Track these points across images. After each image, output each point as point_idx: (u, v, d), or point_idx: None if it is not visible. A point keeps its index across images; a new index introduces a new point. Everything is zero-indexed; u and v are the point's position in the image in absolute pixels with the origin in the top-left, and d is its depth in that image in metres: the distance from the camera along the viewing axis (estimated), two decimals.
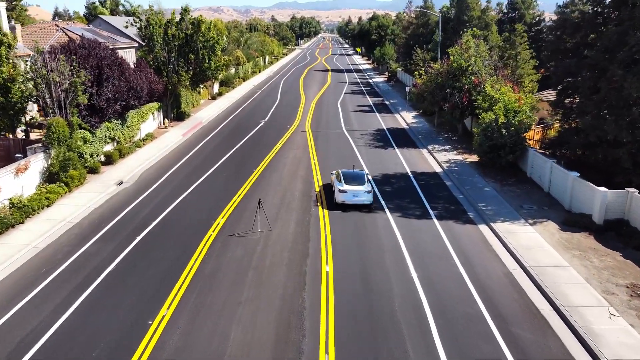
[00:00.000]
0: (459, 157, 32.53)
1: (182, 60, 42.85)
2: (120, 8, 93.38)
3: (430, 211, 23.15)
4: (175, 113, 45.53)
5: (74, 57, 28.18)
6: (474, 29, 37.84)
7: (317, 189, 25.85)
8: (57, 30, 48.26)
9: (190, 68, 43.50)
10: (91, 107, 29.59)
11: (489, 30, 45.94)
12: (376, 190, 25.85)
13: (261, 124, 43.75)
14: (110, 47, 35.35)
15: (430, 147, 35.27)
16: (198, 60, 43.17)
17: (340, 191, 22.92)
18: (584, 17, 26.71)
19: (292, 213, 22.44)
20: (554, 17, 64.98)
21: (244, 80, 77.01)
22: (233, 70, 74.25)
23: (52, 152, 26.26)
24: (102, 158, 31.12)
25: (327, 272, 17.08)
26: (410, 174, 29.21)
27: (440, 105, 36.29)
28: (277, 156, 32.60)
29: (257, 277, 16.78)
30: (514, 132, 28.46)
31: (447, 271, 17.38)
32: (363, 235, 20.23)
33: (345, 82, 77.76)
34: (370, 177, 25.50)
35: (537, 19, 64.95)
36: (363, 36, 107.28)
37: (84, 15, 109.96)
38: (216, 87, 62.57)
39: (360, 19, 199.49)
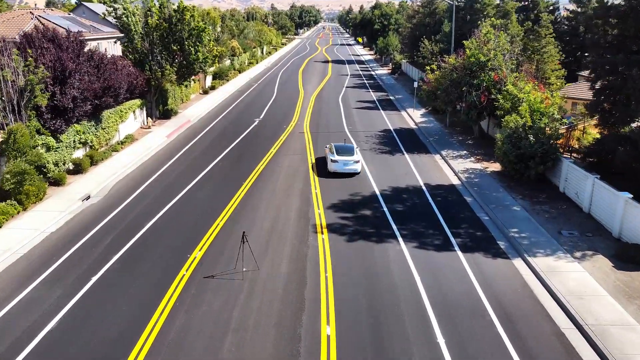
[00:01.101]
0: (478, 166, 28.52)
1: (165, 53, 38.66)
2: None
3: (452, 239, 19.21)
4: (161, 110, 41.43)
5: (30, 50, 24.06)
6: (493, 18, 33.62)
7: (317, 208, 21.90)
8: (32, 19, 43.97)
9: (176, 61, 39.34)
10: (54, 109, 25.53)
11: (509, 20, 41.72)
12: (386, 210, 21.90)
13: (255, 123, 39.67)
14: (85, 37, 31.28)
15: (443, 153, 31.24)
16: (184, 51, 38.96)
17: (332, 161, 26.27)
18: (631, 4, 22.56)
19: (286, 244, 18.47)
20: (570, 7, 60.77)
21: (240, 72, 72.71)
22: (228, 62, 69.93)
23: (4, 166, 22.29)
24: (71, 166, 27.17)
25: (328, 337, 13.19)
26: (424, 187, 25.21)
27: (455, 105, 32.22)
28: (271, 164, 28.58)
29: (237, 345, 12.87)
30: (546, 140, 24.45)
31: (482, 335, 13.47)
32: (374, 278, 16.28)
33: (347, 75, 73.44)
34: (358, 150, 28.25)
35: (551, 8, 60.64)
36: (365, 26, 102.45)
37: (75, 2, 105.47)
38: (209, 80, 58.34)
39: (362, 7, 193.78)
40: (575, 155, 26.93)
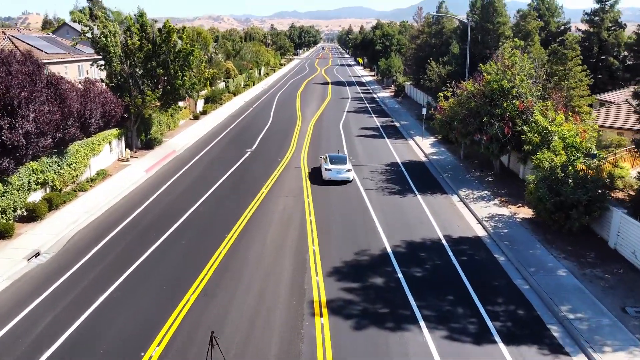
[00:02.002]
0: (505, 211, 24.25)
1: (147, 77, 34.71)
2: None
3: (490, 323, 14.82)
4: (143, 140, 37.35)
5: None
6: (516, 39, 29.72)
7: (314, 274, 17.55)
8: (4, 39, 40.25)
9: (160, 86, 35.37)
10: (1, 146, 21.37)
11: (530, 41, 37.95)
12: (401, 276, 17.55)
13: (247, 155, 35.53)
14: (64, 59, 27.32)
15: (462, 193, 27.03)
16: (168, 76, 35.02)
17: (327, 169, 28.28)
18: None
19: (273, 336, 14.01)
20: (581, 27, 57.36)
21: (235, 95, 69.00)
22: (222, 85, 66.23)
23: None
24: (24, 212, 22.93)
25: None
26: (444, 240, 20.90)
27: (474, 137, 28.14)
28: (261, 209, 24.31)
29: None
30: (591, 185, 20.25)
31: None
32: None
33: (348, 98, 69.70)
34: (350, 159, 30.52)
35: (562, 28, 57.20)
36: (366, 46, 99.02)
37: (60, 22, 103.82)
38: (200, 105, 54.45)
39: (362, 27, 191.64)
40: (612, 193, 22.75)
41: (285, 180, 29.16)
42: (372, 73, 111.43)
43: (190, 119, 50.51)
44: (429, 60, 50.94)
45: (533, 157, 23.68)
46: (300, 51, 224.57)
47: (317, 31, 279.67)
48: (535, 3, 55.27)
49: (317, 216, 23.26)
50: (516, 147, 27.76)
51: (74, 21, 32.99)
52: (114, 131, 32.74)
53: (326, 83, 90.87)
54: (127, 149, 34.89)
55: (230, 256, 18.90)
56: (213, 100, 57.58)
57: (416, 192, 27.34)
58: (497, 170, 30.40)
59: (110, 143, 32.32)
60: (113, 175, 30.30)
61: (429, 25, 56.30)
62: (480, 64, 30.35)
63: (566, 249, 19.86)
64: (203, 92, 53.82)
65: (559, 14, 57.86)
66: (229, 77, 70.52)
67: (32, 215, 22.90)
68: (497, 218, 23.30)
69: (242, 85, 77.13)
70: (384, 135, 43.45)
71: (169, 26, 34.71)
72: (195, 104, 52.25)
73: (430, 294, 16.42)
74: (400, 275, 17.62)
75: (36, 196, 24.22)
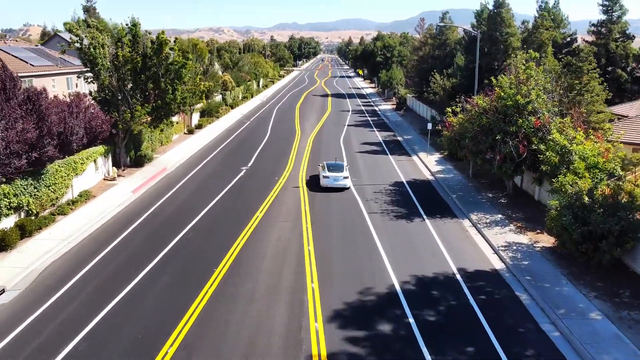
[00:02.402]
0: (523, 239, 22.05)
1: (137, 91, 32.70)
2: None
3: None
4: (132, 157, 35.24)
5: None
6: (530, 51, 27.71)
7: (313, 320, 15.29)
8: None
9: (151, 100, 33.32)
10: None
11: (544, 52, 36.01)
12: (412, 321, 15.30)
13: (242, 173, 33.41)
14: (51, 71, 25.33)
15: (473, 217, 24.84)
16: (159, 90, 32.99)
17: (324, 177, 29.03)
18: None
19: None
20: (588, 38, 55.60)
21: (232, 108, 67.13)
22: (219, 97, 64.33)
23: None
24: None
25: None
26: (458, 275, 18.67)
27: (486, 156, 26.03)
28: (254, 237, 22.11)
29: None
30: (623, 213, 18.10)
31: None
32: None
33: (348, 111, 67.80)
34: (347, 167, 31.27)
35: (568, 39, 55.39)
36: (367, 58, 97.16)
37: (51, 32, 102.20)
38: (195, 118, 52.45)
39: (362, 39, 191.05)
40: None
41: (282, 203, 27.00)
42: (373, 85, 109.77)
43: (185, 133, 48.49)
44: (432, 73, 49.03)
45: (553, 180, 21.57)
46: (300, 62, 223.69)
47: (316, 43, 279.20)
48: (539, 14, 53.53)
49: (317, 246, 21.04)
50: (532, 167, 25.66)
51: (67, 31, 31.00)
52: (100, 148, 30.64)
53: (326, 95, 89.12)
54: (114, 167, 32.78)
55: (216, 297, 16.66)
56: (209, 114, 55.62)
57: (424, 216, 25.16)
58: (510, 190, 28.26)
59: (95, 161, 30.21)
60: (97, 197, 28.15)
61: (433, 36, 54.46)
62: (492, 78, 28.31)
63: (597, 286, 17.64)
64: (199, 105, 51.92)
65: (565, 25, 56.09)
66: (226, 90, 68.69)
67: (1, 244, 20.73)
68: (514, 247, 21.10)
69: (240, 98, 75.29)
70: (387, 151, 41.37)
71: (162, 38, 32.75)
72: (190, 118, 50.27)
73: (447, 344, 14.16)
74: (411, 319, 15.38)
75: (9, 222, 22.08)
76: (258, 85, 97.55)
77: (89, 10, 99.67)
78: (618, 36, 49.14)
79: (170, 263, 19.36)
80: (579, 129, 24.41)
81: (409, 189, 30.17)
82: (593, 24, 51.01)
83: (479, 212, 25.70)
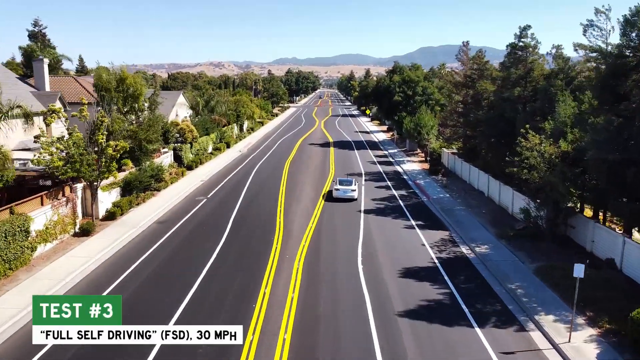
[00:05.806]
0: None
1: None
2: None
3: None
4: None
5: None
6: None
7: None
8: None
9: None
10: None
11: None
12: None
13: None
14: None
15: None
16: None
17: (336, 189, 35.52)
18: None
19: None
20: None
21: (191, 169, 45.82)
22: (166, 160, 42.92)
23: None
24: None
25: None
26: None
27: None
28: None
29: None
30: None
31: None
32: None
33: (360, 174, 46.40)
34: (357, 182, 37.12)
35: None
36: (381, 95, 75.61)
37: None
38: (108, 201, 30.84)
39: (367, 72, 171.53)
40: None
41: None
42: (384, 128, 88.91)
43: (73, 235, 26.80)
44: (514, 126, 27.80)
45: None
46: (297, 98, 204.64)
47: (315, 77, 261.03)
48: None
49: None
50: None
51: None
52: None
53: (327, 144, 68.08)
54: None
55: None
56: (138, 188, 33.94)
57: None
58: None
59: None
60: None
61: (506, 65, 33.17)
62: None
63: None
64: (108, 181, 30.33)
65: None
66: (183, 142, 47.50)
67: None
68: None
69: (209, 151, 54.07)
70: (463, 303, 19.46)
71: None
72: (92, 205, 28.62)
73: None
74: None
75: None
76: (240, 130, 76.64)
77: (36, 36, 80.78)
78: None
79: None
80: None
81: None
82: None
83: None
